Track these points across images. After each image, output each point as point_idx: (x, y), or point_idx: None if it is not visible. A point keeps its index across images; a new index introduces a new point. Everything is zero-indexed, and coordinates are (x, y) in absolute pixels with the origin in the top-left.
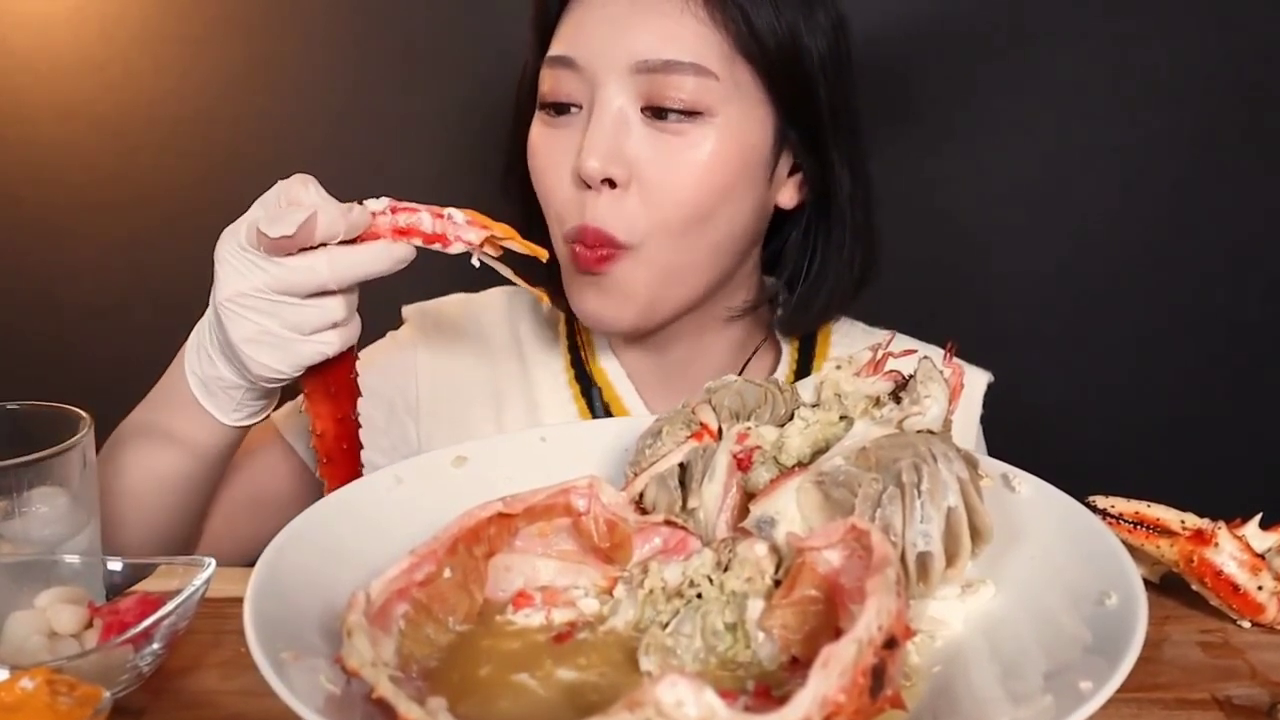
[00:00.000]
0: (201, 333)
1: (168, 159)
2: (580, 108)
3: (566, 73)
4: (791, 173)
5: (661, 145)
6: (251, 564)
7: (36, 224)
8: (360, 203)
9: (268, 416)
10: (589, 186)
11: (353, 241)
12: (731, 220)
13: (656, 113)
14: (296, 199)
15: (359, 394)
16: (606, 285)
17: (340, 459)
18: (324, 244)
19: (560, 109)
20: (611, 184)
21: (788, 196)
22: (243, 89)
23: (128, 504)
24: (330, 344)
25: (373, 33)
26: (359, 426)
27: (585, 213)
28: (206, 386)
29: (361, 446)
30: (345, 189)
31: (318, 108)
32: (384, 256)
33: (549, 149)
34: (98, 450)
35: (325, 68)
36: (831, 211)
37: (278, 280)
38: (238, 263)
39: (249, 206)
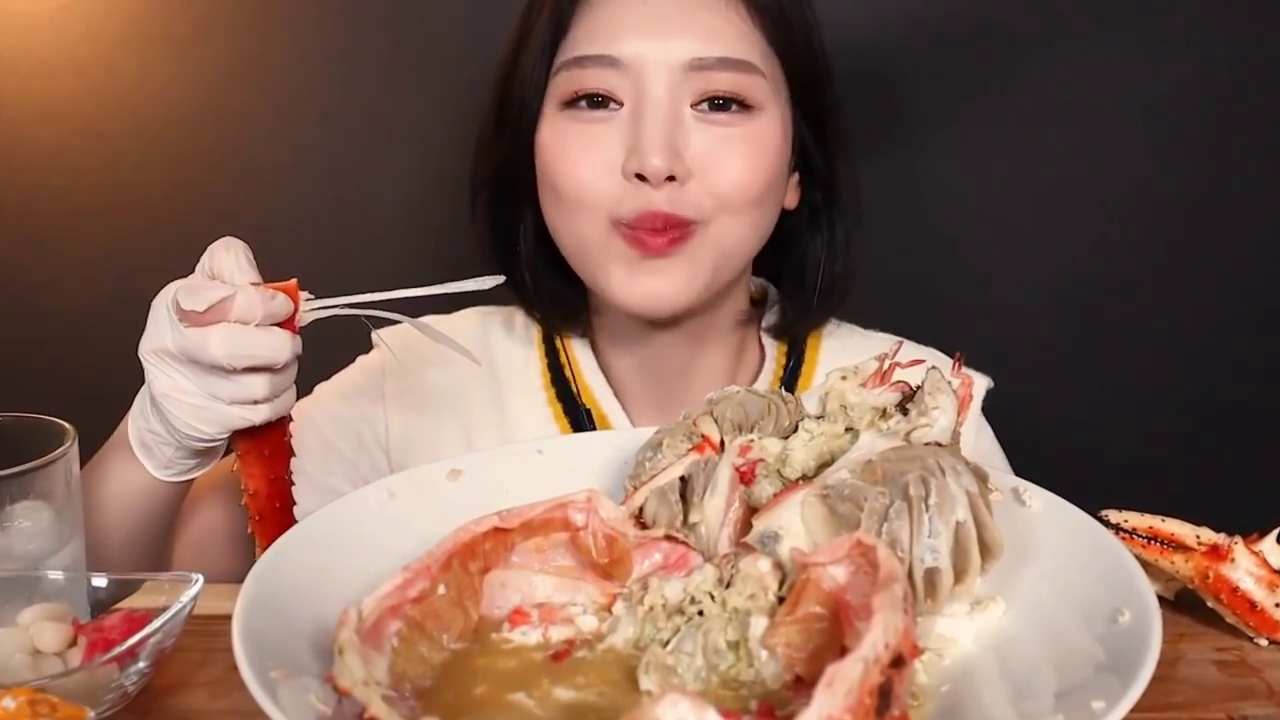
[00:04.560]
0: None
1: (153, 163)
2: (620, 104)
3: (608, 71)
4: (790, 172)
5: (715, 138)
6: (239, 580)
7: (18, 230)
8: (298, 290)
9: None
10: (646, 182)
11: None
12: (772, 214)
13: (712, 106)
14: (220, 266)
15: (292, 454)
16: (673, 265)
17: (273, 517)
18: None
19: (597, 103)
20: (671, 179)
21: (791, 196)
22: (229, 92)
23: (106, 526)
24: (257, 414)
25: (362, 35)
26: (292, 484)
27: (649, 200)
28: (143, 440)
29: (294, 502)
30: (335, 191)
31: (306, 110)
32: (284, 348)
33: (584, 145)
34: (82, 465)
35: (313, 70)
36: (833, 212)
37: (181, 347)
38: (163, 319)
39: (235, 210)
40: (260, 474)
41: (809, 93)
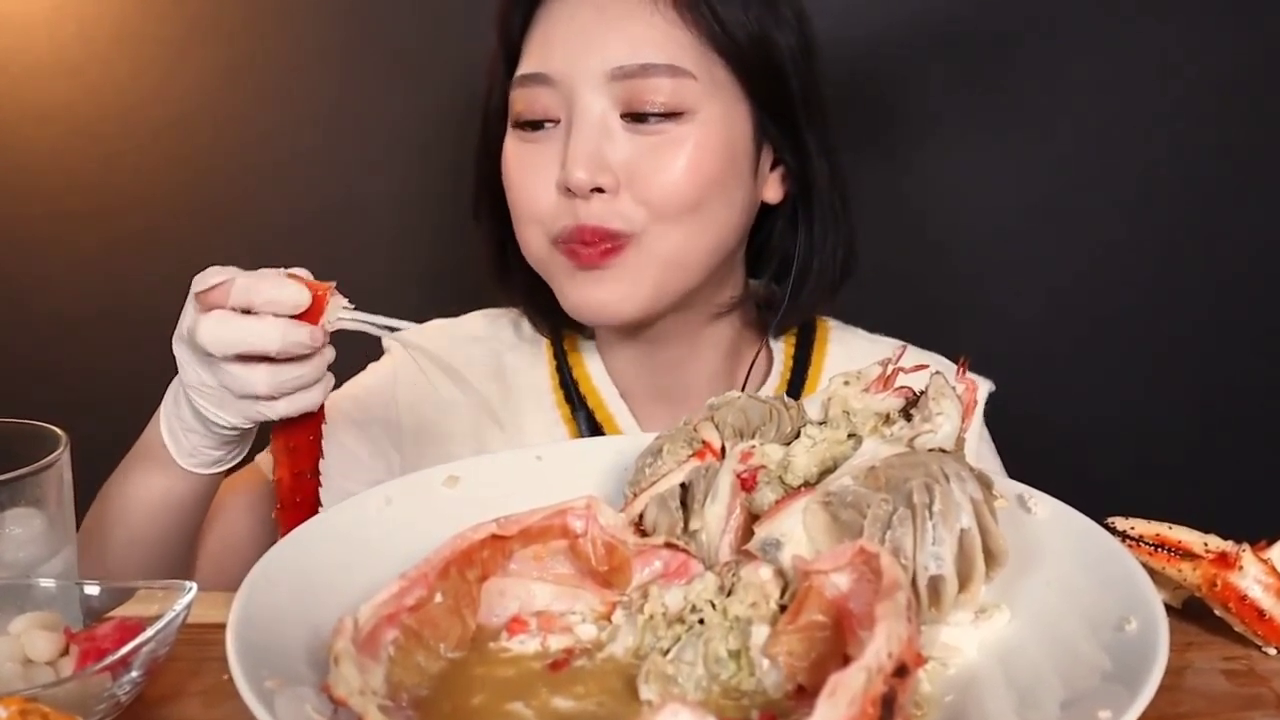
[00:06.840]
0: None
1: (147, 165)
2: (556, 122)
3: (541, 89)
4: (773, 167)
5: (645, 147)
6: (235, 589)
7: (11, 232)
8: (330, 291)
9: (227, 470)
10: (575, 195)
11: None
12: (727, 215)
13: (637, 117)
14: (279, 278)
15: (320, 455)
16: (610, 276)
17: (293, 509)
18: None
19: (536, 125)
20: (600, 191)
21: (772, 191)
22: (224, 93)
23: (130, 538)
24: (269, 409)
25: (357, 36)
26: (319, 485)
27: (579, 214)
28: (171, 428)
29: (320, 503)
30: (330, 193)
31: (301, 112)
32: (272, 336)
33: (528, 164)
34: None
35: (308, 71)
36: (813, 202)
37: (188, 331)
38: (187, 306)
39: (230, 212)
40: (285, 463)
41: (768, 88)
